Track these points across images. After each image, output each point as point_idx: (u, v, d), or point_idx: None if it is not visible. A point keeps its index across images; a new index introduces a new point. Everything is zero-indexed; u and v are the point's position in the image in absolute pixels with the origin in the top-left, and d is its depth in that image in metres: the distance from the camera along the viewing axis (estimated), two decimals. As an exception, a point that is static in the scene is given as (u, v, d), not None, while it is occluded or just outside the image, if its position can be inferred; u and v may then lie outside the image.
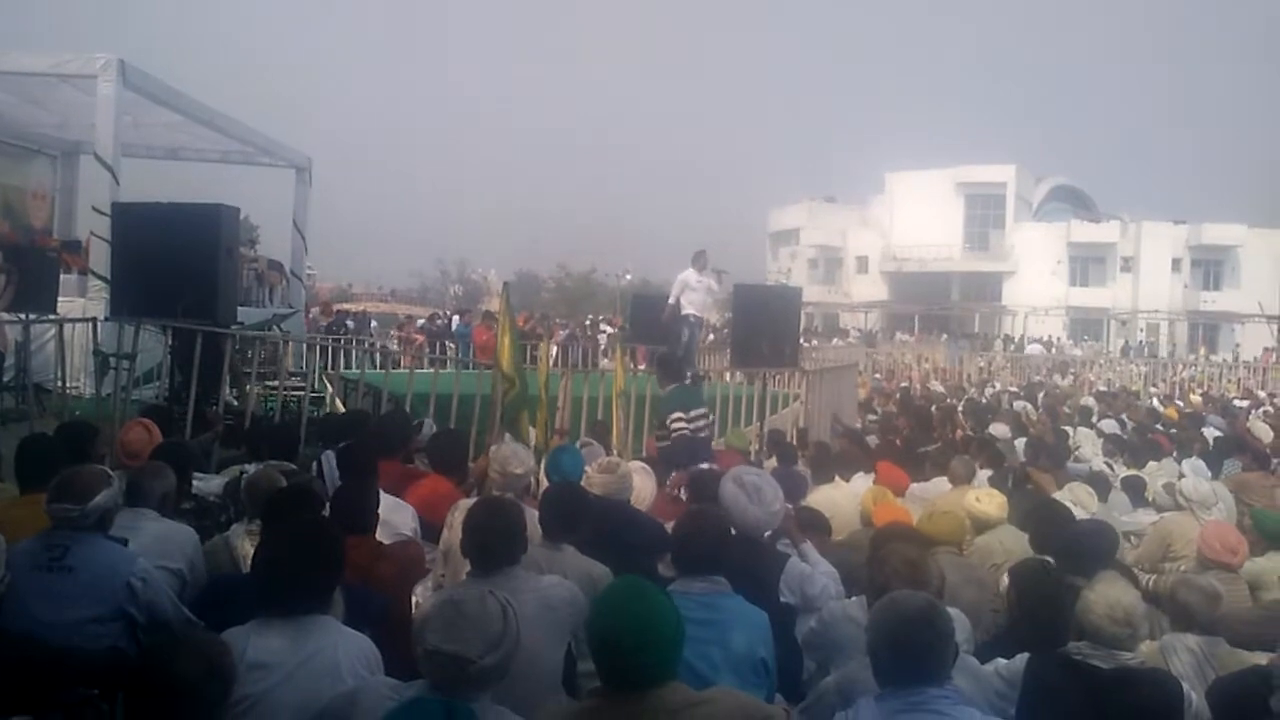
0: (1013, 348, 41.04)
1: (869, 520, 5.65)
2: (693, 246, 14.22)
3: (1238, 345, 47.50)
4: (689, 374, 9.76)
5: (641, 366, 13.75)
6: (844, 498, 6.69)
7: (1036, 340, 47.26)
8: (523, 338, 21.08)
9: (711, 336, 26.19)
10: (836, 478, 7.23)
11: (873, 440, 10.60)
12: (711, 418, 8.77)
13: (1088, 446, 11.33)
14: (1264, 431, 12.91)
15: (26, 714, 2.73)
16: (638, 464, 5.85)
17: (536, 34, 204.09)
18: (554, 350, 18.88)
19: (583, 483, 5.21)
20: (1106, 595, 3.34)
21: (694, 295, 13.57)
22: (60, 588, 3.44)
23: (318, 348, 15.19)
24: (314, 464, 5.66)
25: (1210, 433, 12.58)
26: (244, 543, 4.28)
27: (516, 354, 8.74)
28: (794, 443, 9.64)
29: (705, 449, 8.26)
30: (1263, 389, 26.09)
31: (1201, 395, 22.99)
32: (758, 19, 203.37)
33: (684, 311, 13.65)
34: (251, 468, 5.39)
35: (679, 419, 8.29)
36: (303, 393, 9.90)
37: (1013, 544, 5.40)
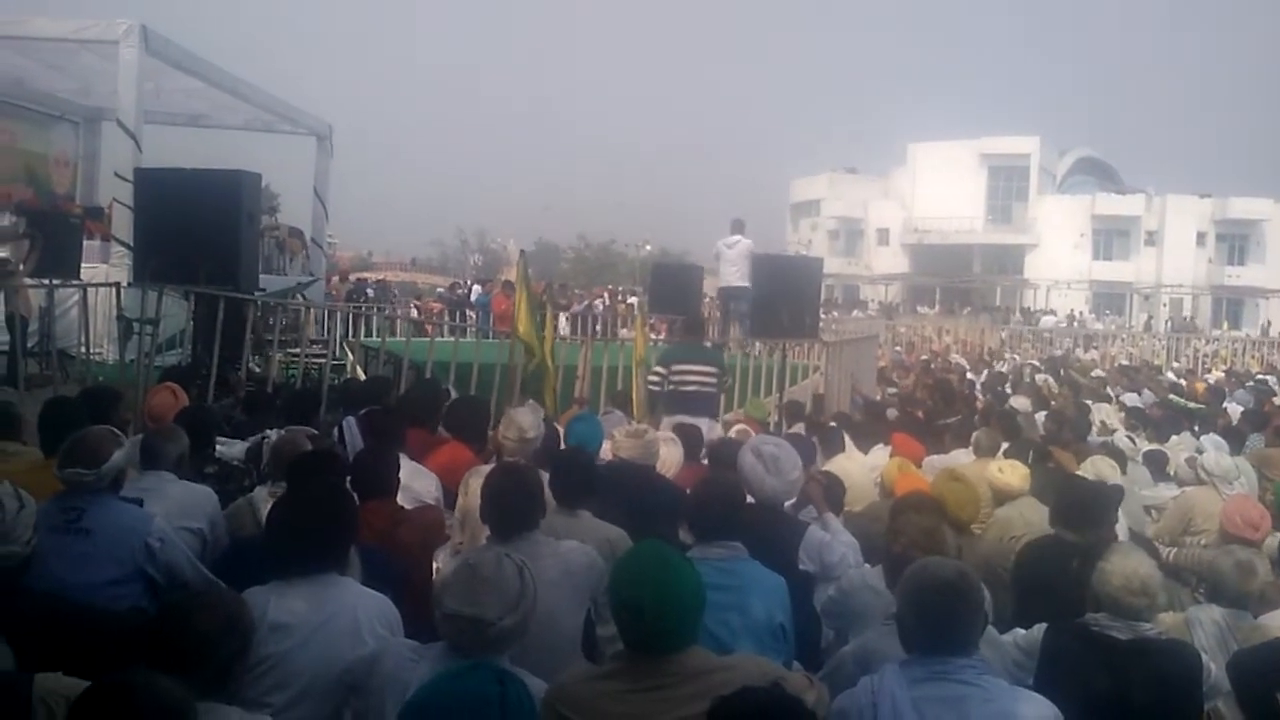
0: (1018, 320, 40.82)
1: (890, 492, 5.64)
2: (712, 217, 14.28)
3: (1269, 323, 46.92)
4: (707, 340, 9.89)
5: (660, 336, 13.76)
6: (857, 468, 6.68)
7: (1050, 313, 46.98)
8: (540, 306, 21.20)
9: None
10: (850, 447, 7.22)
11: (892, 413, 10.58)
12: (718, 377, 8.75)
13: (1109, 420, 11.30)
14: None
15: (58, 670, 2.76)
16: (665, 433, 5.86)
17: (560, 3, 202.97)
18: (560, 320, 18.90)
19: (610, 446, 5.23)
20: (1123, 566, 3.32)
21: (728, 267, 13.67)
22: (78, 549, 3.46)
23: (339, 315, 15.23)
24: (335, 429, 5.69)
25: (1234, 408, 12.50)
26: (267, 505, 4.30)
27: (535, 323, 8.77)
28: (811, 413, 9.66)
29: (689, 403, 8.33)
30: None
31: (1225, 371, 22.81)
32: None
33: (721, 284, 13.66)
34: (274, 433, 5.42)
35: (656, 372, 8.60)
36: (324, 360, 9.97)
37: (1033, 516, 5.38)
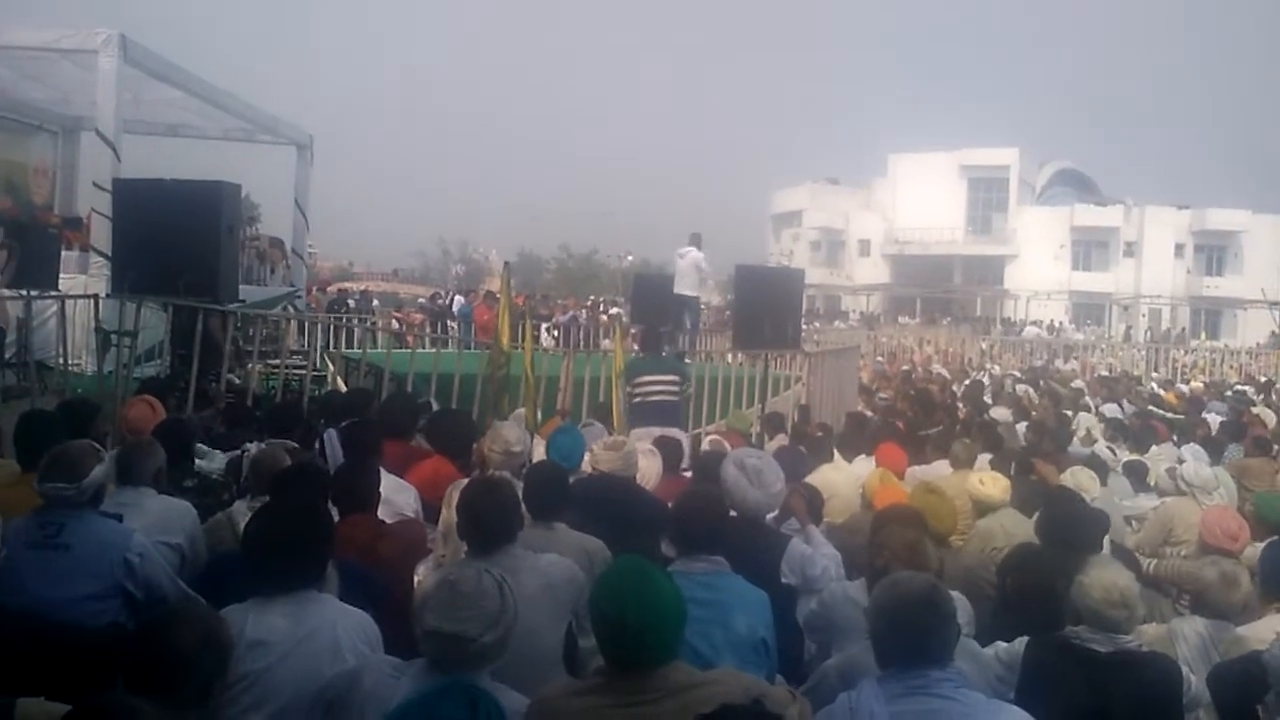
0: (1000, 330, 41.01)
1: (870, 503, 5.64)
2: (693, 228, 14.72)
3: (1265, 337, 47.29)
4: (665, 348, 10.07)
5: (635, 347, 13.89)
6: (843, 479, 6.68)
7: (1033, 323, 47.24)
8: (522, 317, 21.18)
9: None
10: (836, 458, 7.23)
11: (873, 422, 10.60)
12: (679, 385, 8.92)
13: (1093, 430, 11.34)
14: (1268, 417, 12.91)
15: (34, 693, 2.72)
16: (644, 444, 5.85)
17: (539, 14, 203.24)
18: (541, 331, 18.90)
19: (588, 460, 5.22)
20: (1102, 578, 3.33)
21: (679, 277, 14.37)
22: (57, 565, 3.42)
23: (319, 326, 15.18)
24: (316, 442, 5.66)
25: (1213, 418, 12.57)
26: (246, 520, 4.27)
27: (513, 334, 8.80)
28: (798, 424, 9.67)
29: (653, 414, 8.46)
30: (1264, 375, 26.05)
31: (1203, 381, 22.96)
32: (763, 1, 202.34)
33: (675, 292, 14.04)
34: (254, 446, 5.39)
35: (625, 388, 8.85)
36: (305, 371, 9.91)
37: (1014, 528, 5.39)
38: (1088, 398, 15.47)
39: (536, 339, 9.56)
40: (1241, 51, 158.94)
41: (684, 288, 14.42)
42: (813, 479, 6.40)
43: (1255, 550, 5.48)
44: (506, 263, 9.56)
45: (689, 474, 6.00)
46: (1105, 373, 24.38)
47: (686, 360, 11.29)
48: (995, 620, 4.17)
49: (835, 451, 7.41)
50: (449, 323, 22.50)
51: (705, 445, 7.06)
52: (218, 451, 5.75)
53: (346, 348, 14.77)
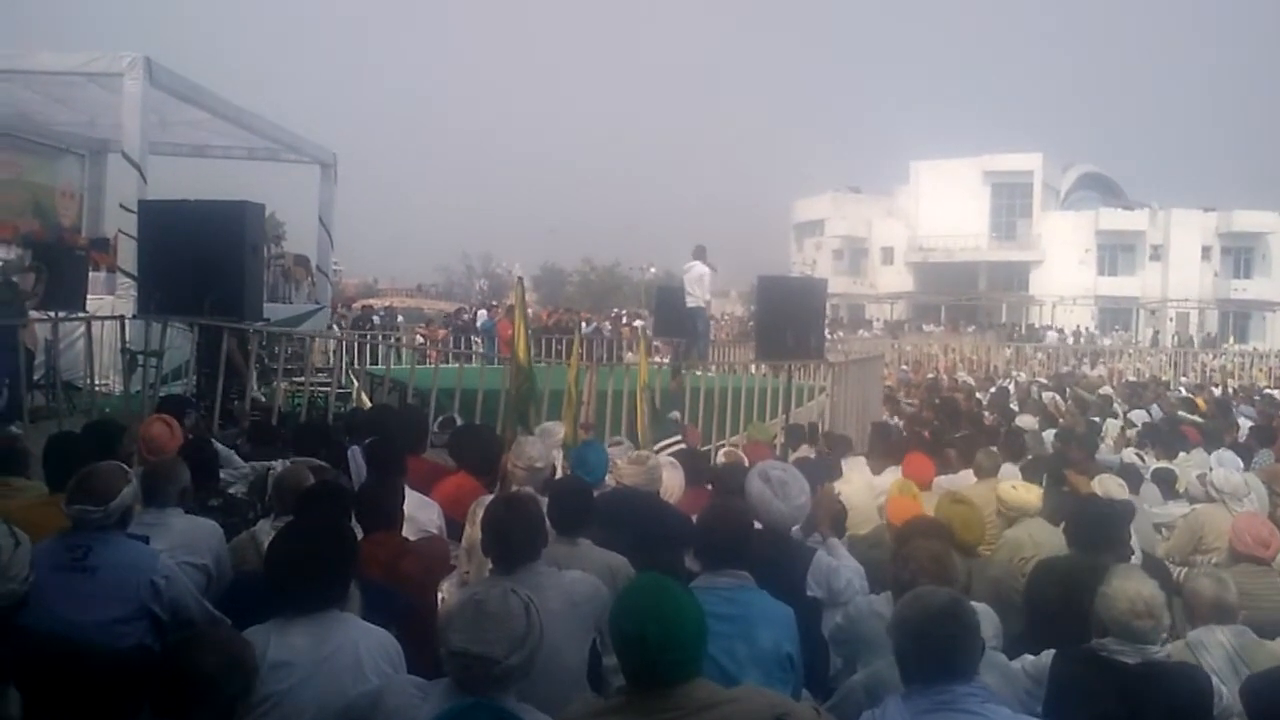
0: (1023, 335, 40.76)
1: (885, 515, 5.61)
2: (716, 238, 14.95)
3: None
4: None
5: (659, 359, 14.03)
6: (854, 493, 6.64)
7: (1051, 328, 46.95)
8: (548, 332, 21.23)
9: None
10: (849, 471, 7.20)
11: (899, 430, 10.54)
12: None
13: (1122, 433, 11.27)
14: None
15: (61, 717, 2.74)
16: (666, 458, 5.84)
17: (562, 29, 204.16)
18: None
19: (612, 473, 5.22)
20: (1126, 589, 3.28)
21: (686, 292, 14.82)
22: (83, 588, 3.43)
23: (344, 343, 15.26)
24: (340, 460, 5.68)
25: (1243, 423, 12.44)
26: (270, 539, 4.29)
27: (529, 347, 8.77)
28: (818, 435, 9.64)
29: None
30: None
31: (1233, 386, 22.74)
32: (782, 10, 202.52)
33: (688, 306, 14.67)
34: (279, 464, 5.42)
35: None
36: (330, 389, 9.97)
37: (1043, 538, 5.34)
38: (1116, 404, 15.36)
39: (580, 354, 9.49)
40: (1266, 52, 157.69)
41: (690, 301, 14.88)
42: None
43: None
44: (520, 278, 9.58)
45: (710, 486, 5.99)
46: (1133, 378, 24.19)
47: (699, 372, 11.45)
48: (1023, 633, 4.13)
49: (845, 465, 7.37)
50: (473, 338, 22.58)
51: (720, 457, 7.03)
52: (238, 458, 5.81)
53: (371, 364, 14.84)
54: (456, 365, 11.79)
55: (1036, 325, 51.79)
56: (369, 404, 10.41)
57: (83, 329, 10.08)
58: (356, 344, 17.22)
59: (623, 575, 3.92)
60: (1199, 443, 10.12)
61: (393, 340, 19.83)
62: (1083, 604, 3.49)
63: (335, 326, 21.36)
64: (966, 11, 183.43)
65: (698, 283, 14.73)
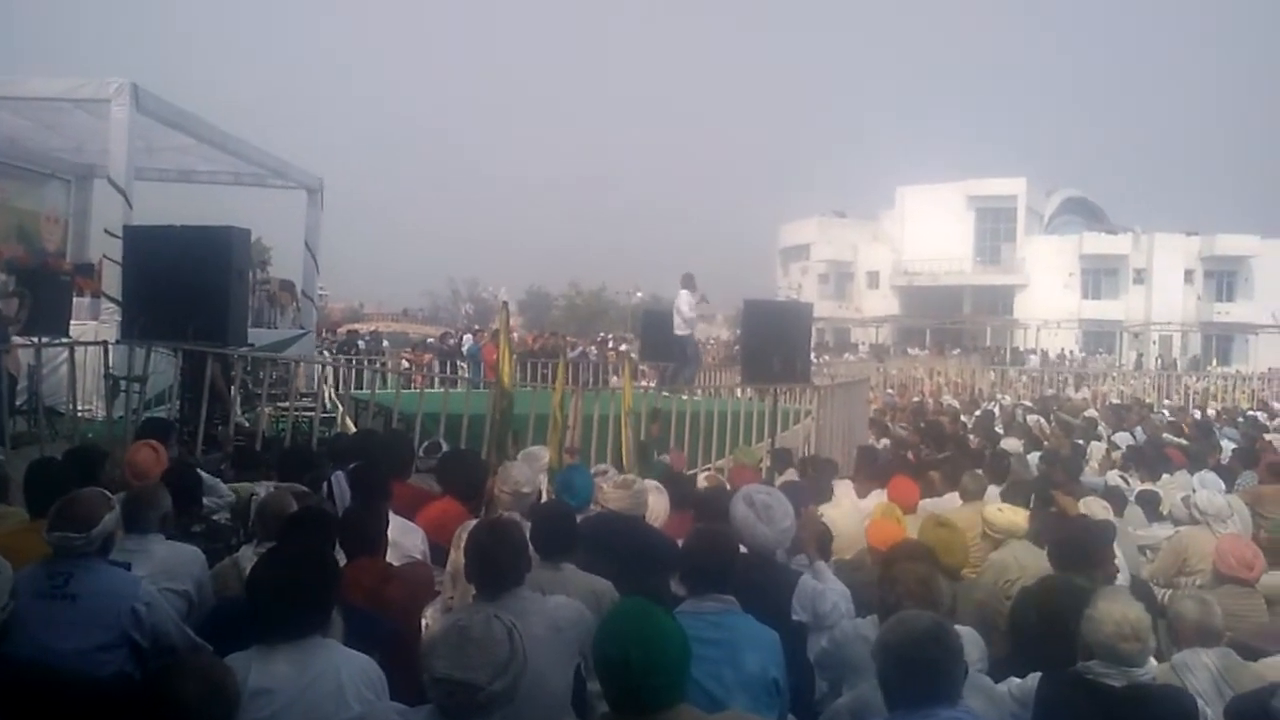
0: (1007, 359, 40.94)
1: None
2: (702, 263, 15.10)
3: None
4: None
5: (645, 384, 14.06)
6: (841, 516, 6.63)
7: (1032, 351, 47.17)
8: (534, 356, 21.23)
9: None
10: (836, 496, 7.20)
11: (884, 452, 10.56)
12: None
13: (1107, 456, 11.30)
14: (1280, 443, 12.84)
15: None
16: (652, 482, 5.84)
17: (547, 51, 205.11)
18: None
19: (598, 498, 5.21)
20: (1111, 612, 3.28)
21: (675, 322, 15.08)
22: (64, 615, 3.40)
23: (329, 368, 15.23)
24: (324, 485, 5.65)
25: (1226, 445, 12.49)
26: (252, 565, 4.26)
27: (513, 372, 8.75)
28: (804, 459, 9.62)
29: None
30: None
31: (1215, 409, 22.86)
32: (767, 34, 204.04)
33: (676, 333, 14.37)
34: (261, 489, 5.39)
35: None
36: (314, 413, 9.92)
37: (1028, 560, 5.35)
38: (1100, 426, 15.41)
39: (566, 378, 9.44)
40: (1249, 77, 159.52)
41: (676, 329, 15.16)
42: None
43: (1271, 578, 5.45)
44: (504, 302, 9.58)
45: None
46: (1116, 401, 24.29)
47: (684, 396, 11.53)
48: (1009, 656, 4.13)
49: (835, 489, 7.37)
50: (459, 362, 22.54)
51: (702, 481, 7.02)
52: (223, 485, 5.78)
53: (356, 388, 14.80)
54: (442, 390, 11.77)
55: (1021, 349, 52.02)
56: (354, 429, 10.38)
57: (66, 354, 10.04)
58: (342, 369, 17.19)
59: (607, 599, 3.91)
60: (1183, 465, 10.17)
61: (378, 365, 19.78)
62: (1068, 627, 3.50)
63: (326, 352, 21.32)
64: (951, 38, 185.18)
65: (677, 312, 15.05)
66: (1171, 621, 4.07)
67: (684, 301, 14.99)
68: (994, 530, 5.76)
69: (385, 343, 30.21)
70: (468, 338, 26.31)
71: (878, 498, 7.15)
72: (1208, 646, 3.88)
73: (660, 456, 9.28)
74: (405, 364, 22.08)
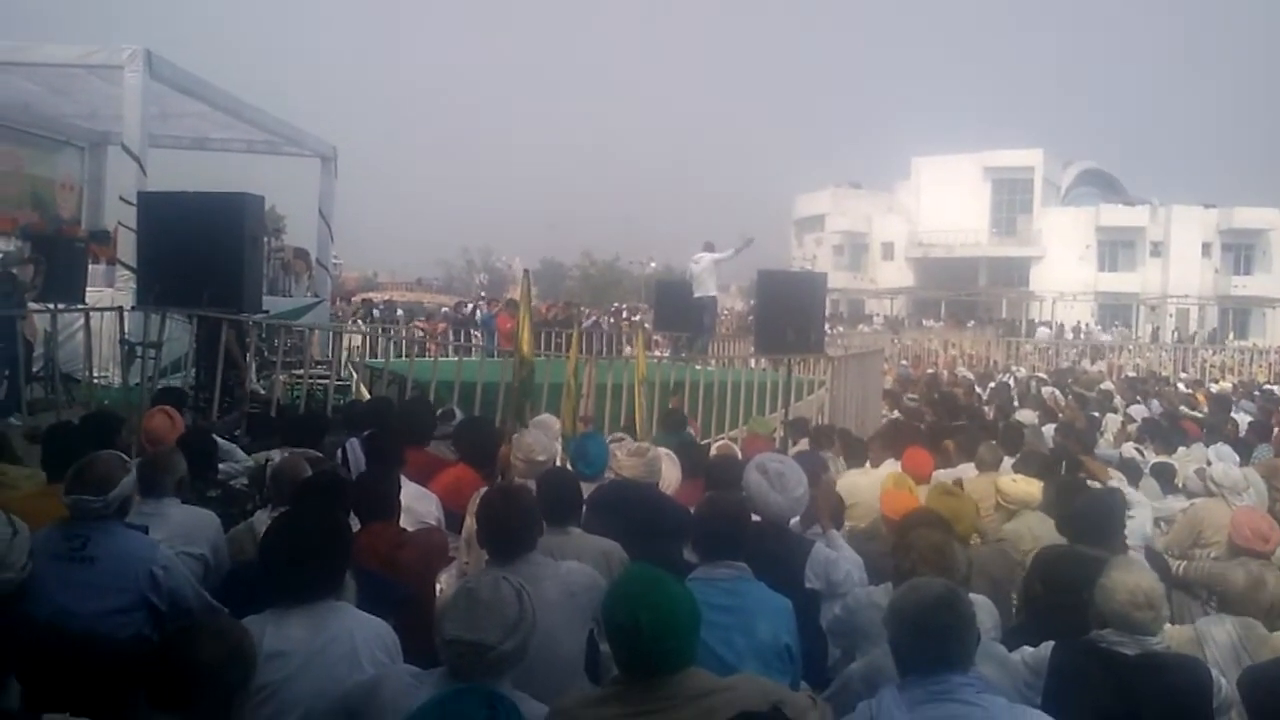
0: (1024, 332, 40.80)
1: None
2: (717, 233, 15.16)
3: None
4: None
5: (658, 353, 14.06)
6: (869, 484, 6.64)
7: (1045, 324, 46.96)
8: (547, 325, 21.24)
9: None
10: (868, 464, 7.21)
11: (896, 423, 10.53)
12: None
13: (1122, 428, 11.25)
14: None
15: (60, 707, 2.73)
16: (664, 450, 5.85)
17: (564, 22, 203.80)
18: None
19: (613, 465, 5.22)
20: (1125, 581, 3.28)
21: (696, 282, 15.14)
22: (82, 578, 3.42)
23: (343, 335, 15.25)
24: (338, 451, 5.67)
25: (1241, 418, 12.44)
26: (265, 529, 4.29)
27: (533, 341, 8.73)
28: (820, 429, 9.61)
29: None
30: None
31: (1232, 381, 22.73)
32: (784, 6, 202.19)
33: (695, 296, 14.91)
34: (277, 455, 5.42)
35: None
36: (329, 381, 9.96)
37: (1042, 531, 5.35)
38: (1116, 399, 15.35)
39: (581, 347, 9.42)
40: (1269, 49, 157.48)
41: (700, 290, 15.08)
42: (840, 484, 6.39)
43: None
44: (526, 270, 9.54)
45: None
46: (1132, 374, 24.19)
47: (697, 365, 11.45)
48: (1022, 624, 4.13)
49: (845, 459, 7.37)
50: (472, 331, 22.58)
51: (714, 450, 7.02)
52: (240, 451, 5.82)
53: (370, 357, 14.82)
54: (455, 359, 11.79)
55: (1036, 320, 51.79)
56: (368, 396, 10.41)
57: (81, 321, 10.07)
58: (355, 336, 17.22)
59: (617, 559, 3.93)
60: (1198, 437, 10.13)
61: (392, 333, 19.81)
62: (1080, 595, 3.49)
63: (359, 321, 21.34)
64: (968, 8, 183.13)
65: (708, 272, 15.03)
66: (1217, 585, 4.06)
67: (709, 260, 15.02)
68: (1008, 501, 5.76)
69: (399, 312, 30.26)
70: (482, 305, 26.36)
71: (892, 468, 7.15)
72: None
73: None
74: (419, 333, 22.13)
